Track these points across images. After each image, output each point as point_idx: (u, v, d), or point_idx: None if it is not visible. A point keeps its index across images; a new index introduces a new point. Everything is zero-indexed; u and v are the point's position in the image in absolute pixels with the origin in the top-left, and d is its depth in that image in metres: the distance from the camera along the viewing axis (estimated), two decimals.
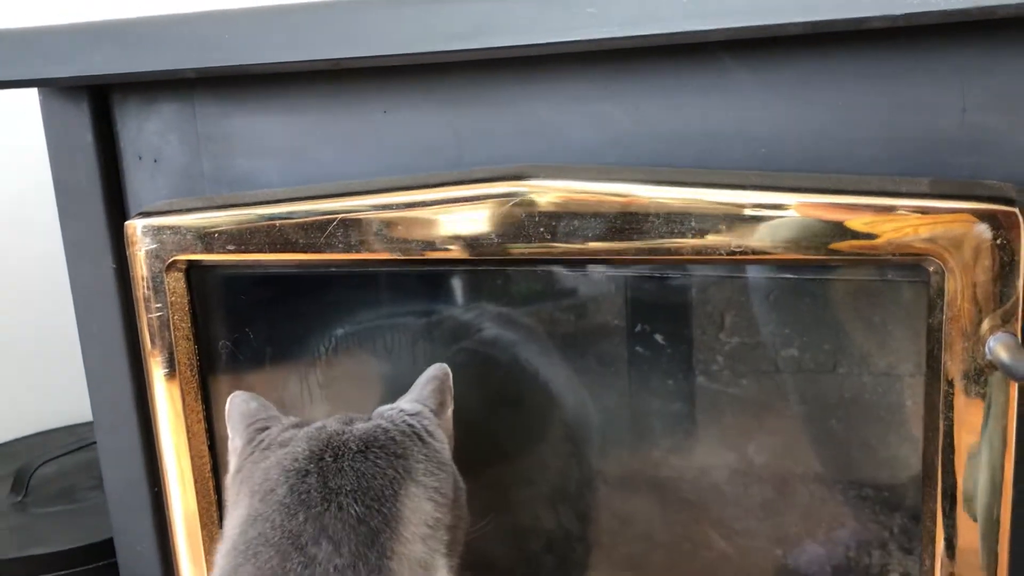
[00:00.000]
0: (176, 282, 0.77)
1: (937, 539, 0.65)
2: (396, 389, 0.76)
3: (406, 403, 0.63)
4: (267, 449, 0.60)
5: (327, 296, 0.79)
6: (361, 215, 0.71)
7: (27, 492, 1.07)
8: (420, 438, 0.59)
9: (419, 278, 0.76)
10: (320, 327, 0.80)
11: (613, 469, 0.78)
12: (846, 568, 0.72)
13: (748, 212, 0.63)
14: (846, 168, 0.66)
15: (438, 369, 0.66)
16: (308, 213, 0.72)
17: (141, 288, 0.78)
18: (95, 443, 0.87)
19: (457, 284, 0.76)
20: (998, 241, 0.60)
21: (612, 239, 0.65)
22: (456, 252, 0.69)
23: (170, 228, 0.76)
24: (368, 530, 0.53)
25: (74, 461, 1.14)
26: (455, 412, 0.66)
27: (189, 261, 0.77)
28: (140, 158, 0.84)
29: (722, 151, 0.68)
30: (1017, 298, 0.60)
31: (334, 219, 0.71)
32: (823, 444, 0.72)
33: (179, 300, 0.78)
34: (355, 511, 0.54)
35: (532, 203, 0.66)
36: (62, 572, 0.96)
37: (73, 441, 1.15)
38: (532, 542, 0.80)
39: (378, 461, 0.56)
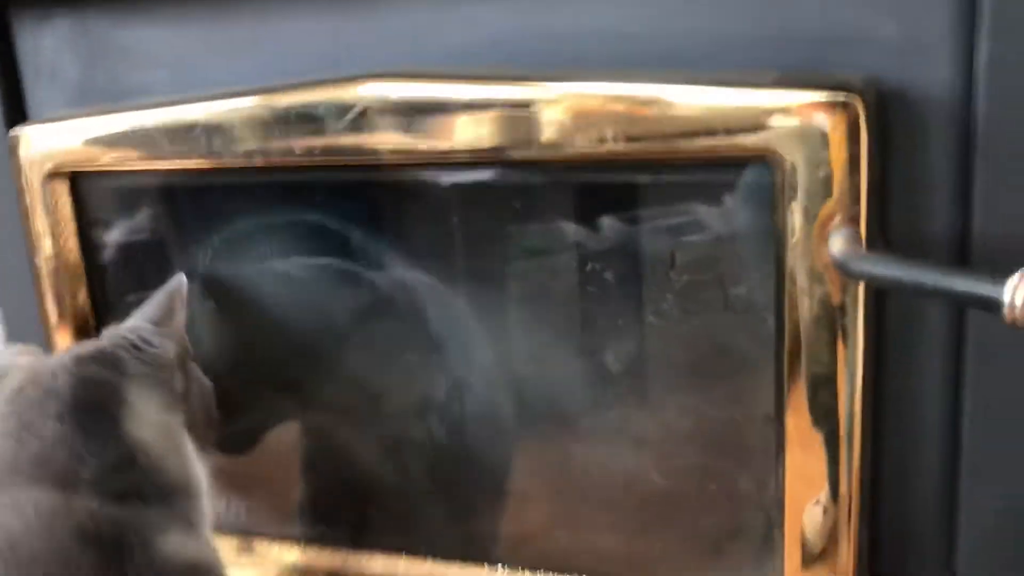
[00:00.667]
0: (59, 192, 0.78)
1: (788, 446, 0.63)
2: (273, 297, 0.77)
3: (130, 320, 0.71)
4: None
5: (206, 206, 0.79)
6: (220, 120, 0.70)
7: None
8: (135, 346, 0.68)
9: (286, 187, 0.75)
10: (197, 238, 0.79)
11: None
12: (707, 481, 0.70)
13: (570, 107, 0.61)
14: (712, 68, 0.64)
15: (172, 281, 0.73)
16: (173, 119, 0.72)
17: (26, 198, 0.78)
18: None
19: (329, 191, 0.75)
20: (839, 133, 0.57)
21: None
22: (306, 158, 0.68)
23: (51, 137, 0.77)
24: (88, 405, 0.63)
25: None
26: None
27: (71, 171, 0.77)
28: (38, 74, 0.84)
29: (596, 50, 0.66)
30: (859, 193, 0.58)
31: (196, 126, 0.71)
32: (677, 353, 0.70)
33: (63, 210, 0.78)
34: (72, 396, 0.63)
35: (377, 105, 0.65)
36: None
37: None
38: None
39: (95, 370, 0.66)
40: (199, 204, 0.79)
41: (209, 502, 0.68)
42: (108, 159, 0.75)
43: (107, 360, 0.67)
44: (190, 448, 0.68)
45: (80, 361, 0.66)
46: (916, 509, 0.66)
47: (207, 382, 0.74)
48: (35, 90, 0.85)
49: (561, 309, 0.72)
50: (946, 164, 0.59)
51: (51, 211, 0.78)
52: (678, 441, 0.70)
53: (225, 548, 0.83)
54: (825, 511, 0.62)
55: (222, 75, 0.77)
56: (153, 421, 0.66)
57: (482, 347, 0.75)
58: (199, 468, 0.68)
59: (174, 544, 0.62)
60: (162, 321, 0.71)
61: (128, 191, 0.81)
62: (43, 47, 0.83)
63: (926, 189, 0.60)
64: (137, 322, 0.71)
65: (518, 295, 0.73)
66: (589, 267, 0.69)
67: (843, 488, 0.62)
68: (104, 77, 0.82)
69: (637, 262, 0.68)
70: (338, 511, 0.83)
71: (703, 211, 0.64)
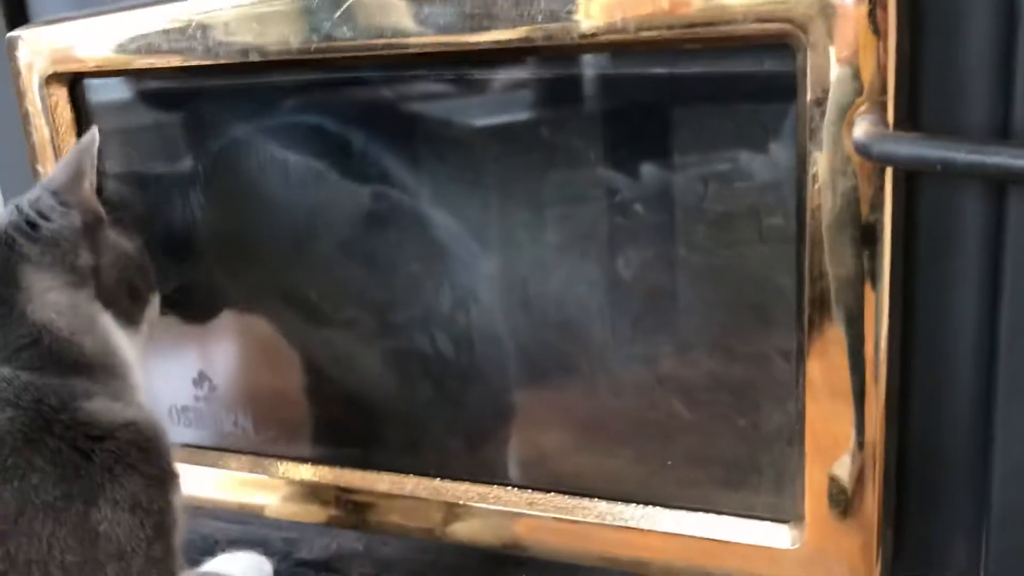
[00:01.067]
0: (58, 96, 0.76)
1: (809, 353, 0.58)
2: (276, 200, 0.74)
3: (34, 189, 0.66)
4: None
5: (206, 111, 0.76)
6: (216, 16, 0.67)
7: None
8: (30, 223, 0.63)
9: (281, 87, 0.72)
10: (198, 143, 0.77)
11: None
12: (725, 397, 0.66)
13: None
14: None
15: (85, 137, 0.67)
16: (171, 18, 0.69)
17: (26, 103, 0.76)
18: None
19: (327, 92, 0.72)
20: (864, 8, 0.52)
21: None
22: (302, 56, 0.65)
23: (48, 39, 0.74)
24: None
25: None
26: None
27: (70, 74, 0.75)
28: None
29: None
30: (886, 75, 0.53)
31: (191, 23, 0.68)
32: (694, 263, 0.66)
33: (63, 115, 0.76)
34: None
35: None
36: None
37: None
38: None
39: None
40: (198, 106, 0.76)
41: (141, 375, 0.66)
42: (106, 61, 0.72)
43: (3, 241, 0.63)
44: (107, 323, 0.65)
45: None
46: (947, 439, 0.61)
47: (130, 248, 0.69)
48: None
49: (579, 216, 0.67)
50: (985, 45, 0.54)
51: (50, 115, 0.76)
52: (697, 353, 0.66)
53: (234, 465, 0.82)
54: (851, 441, 0.58)
55: None
56: (53, 301, 0.62)
57: (489, 261, 0.72)
58: (122, 342, 0.65)
59: (100, 407, 0.60)
60: (68, 186, 0.65)
61: (129, 95, 0.78)
62: None
63: (962, 73, 0.55)
64: (39, 191, 0.66)
65: (534, 201, 0.69)
66: (603, 171, 0.65)
67: (870, 409, 0.57)
68: None
69: (652, 168, 0.64)
70: (344, 429, 0.80)
71: (722, 108, 0.60)
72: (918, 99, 0.55)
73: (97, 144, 0.66)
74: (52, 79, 0.75)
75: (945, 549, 0.63)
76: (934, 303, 0.59)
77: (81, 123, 0.77)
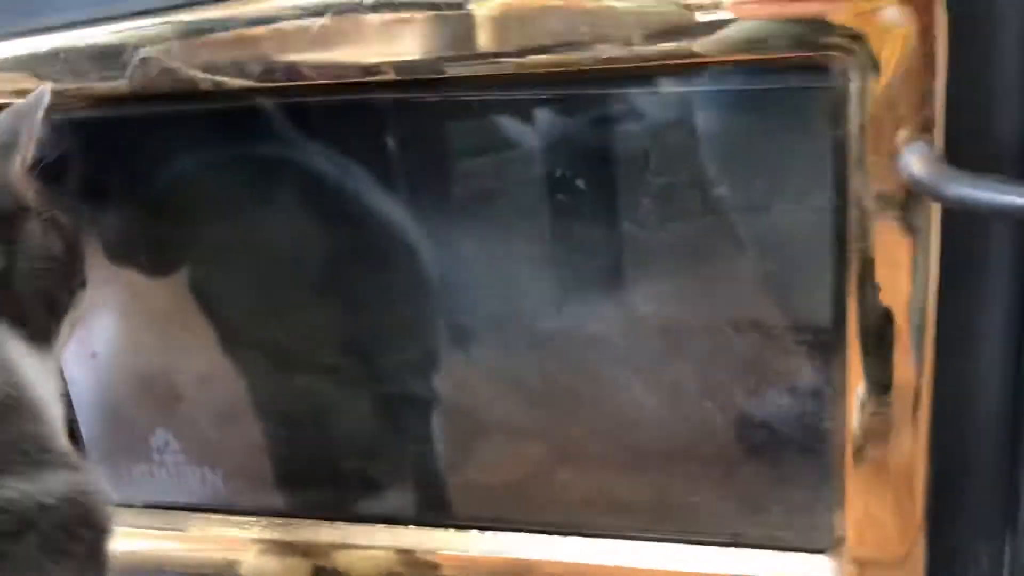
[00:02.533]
0: None
1: (851, 388, 0.56)
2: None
3: None
4: None
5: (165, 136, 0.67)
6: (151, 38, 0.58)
7: None
8: None
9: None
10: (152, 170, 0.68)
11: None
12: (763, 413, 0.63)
13: None
14: None
15: (29, 98, 0.53)
16: (99, 41, 0.59)
17: None
18: None
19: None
20: (913, 29, 0.48)
21: None
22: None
23: None
24: None
25: None
26: None
27: None
28: None
29: None
30: (936, 101, 0.50)
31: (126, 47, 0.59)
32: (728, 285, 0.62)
33: None
34: None
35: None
36: None
37: None
38: None
39: None
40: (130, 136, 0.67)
41: (57, 408, 0.52)
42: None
43: None
44: (12, 351, 0.49)
45: None
46: (973, 447, 0.59)
47: (58, 247, 0.53)
48: None
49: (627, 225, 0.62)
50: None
51: None
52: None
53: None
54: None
55: None
56: None
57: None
58: (32, 372, 0.50)
59: (10, 491, 0.46)
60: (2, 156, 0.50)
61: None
62: None
63: (999, 94, 0.52)
64: None
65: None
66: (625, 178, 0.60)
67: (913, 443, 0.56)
68: None
69: (673, 184, 0.59)
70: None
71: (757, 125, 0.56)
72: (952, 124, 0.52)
73: (44, 108, 0.52)
74: None
75: (970, 557, 0.63)
76: (964, 316, 0.57)
77: None
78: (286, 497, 0.74)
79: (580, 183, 0.60)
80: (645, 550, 0.64)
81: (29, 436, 0.48)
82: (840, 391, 0.57)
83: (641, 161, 0.58)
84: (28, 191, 0.52)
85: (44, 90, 0.53)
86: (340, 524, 0.72)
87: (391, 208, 0.63)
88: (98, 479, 0.50)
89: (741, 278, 0.60)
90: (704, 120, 0.57)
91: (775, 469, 0.62)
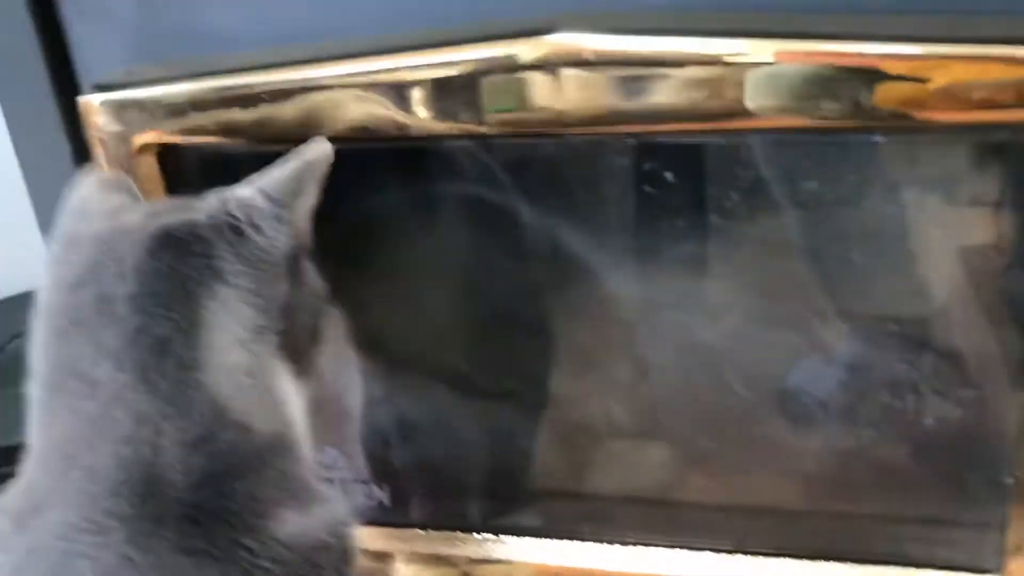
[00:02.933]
0: (148, 167, 0.66)
1: None
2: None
3: (246, 187, 0.52)
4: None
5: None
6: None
7: None
8: (237, 231, 0.49)
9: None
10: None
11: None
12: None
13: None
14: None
15: (312, 145, 0.53)
16: (286, 81, 0.60)
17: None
18: None
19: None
20: None
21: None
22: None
23: (136, 104, 0.64)
24: (153, 341, 0.46)
25: None
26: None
27: (162, 144, 0.65)
28: (83, 13, 0.70)
29: None
30: None
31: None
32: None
33: (153, 187, 0.66)
34: (135, 321, 0.46)
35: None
36: None
37: None
38: None
39: (171, 261, 0.48)
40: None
41: (307, 440, 0.52)
42: (212, 130, 0.63)
43: (192, 244, 0.48)
44: (282, 386, 0.51)
45: (157, 242, 0.48)
46: None
47: (320, 286, 0.55)
48: (80, 32, 0.70)
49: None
50: None
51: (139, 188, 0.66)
52: None
53: None
54: None
55: (313, 16, 0.64)
56: (234, 364, 0.48)
57: None
58: (295, 407, 0.52)
59: (290, 526, 0.46)
60: (285, 198, 0.50)
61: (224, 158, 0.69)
62: None
63: None
64: (251, 192, 0.50)
65: None
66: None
67: None
68: (172, 18, 0.68)
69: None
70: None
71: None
72: None
73: (327, 159, 0.53)
74: (142, 150, 0.65)
75: None
76: None
77: (171, 191, 0.68)
78: (440, 511, 0.77)
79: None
80: (812, 569, 0.68)
81: (293, 472, 0.50)
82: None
83: None
84: (308, 235, 0.54)
85: (327, 146, 0.54)
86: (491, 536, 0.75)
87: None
88: (349, 513, 0.51)
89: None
90: None
91: (947, 488, 0.66)
